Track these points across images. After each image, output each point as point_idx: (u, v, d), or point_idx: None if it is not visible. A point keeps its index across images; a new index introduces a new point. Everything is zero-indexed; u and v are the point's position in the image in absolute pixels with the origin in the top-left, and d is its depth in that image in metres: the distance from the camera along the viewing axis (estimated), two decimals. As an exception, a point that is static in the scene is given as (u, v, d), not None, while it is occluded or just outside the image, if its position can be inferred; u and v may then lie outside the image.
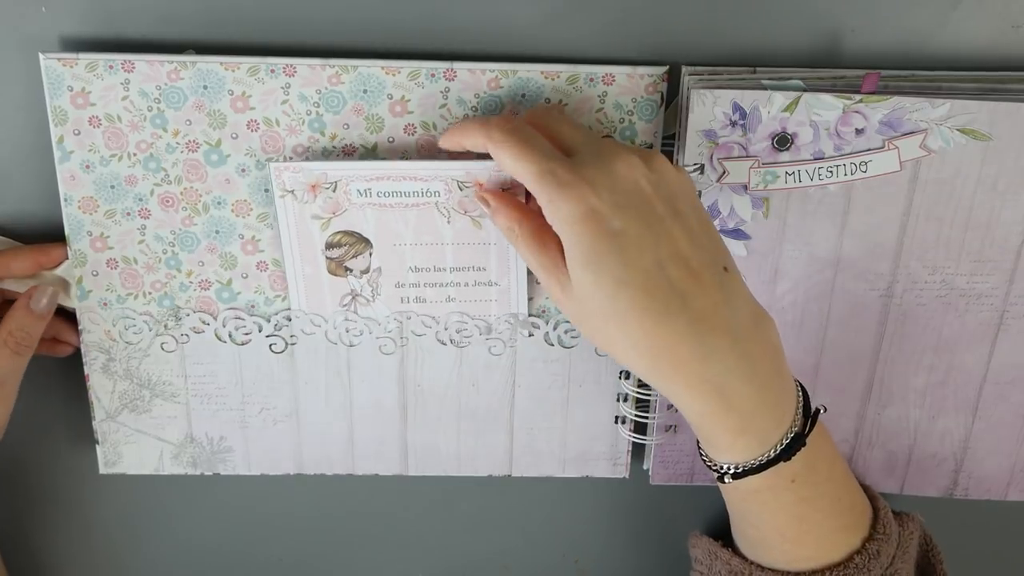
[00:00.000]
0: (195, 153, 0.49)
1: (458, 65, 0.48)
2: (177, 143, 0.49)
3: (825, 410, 0.46)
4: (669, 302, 0.41)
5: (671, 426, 0.55)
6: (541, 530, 0.60)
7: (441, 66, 0.48)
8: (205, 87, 0.48)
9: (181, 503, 0.59)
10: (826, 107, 0.48)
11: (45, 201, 0.51)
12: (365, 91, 0.48)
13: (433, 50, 0.49)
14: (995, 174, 0.49)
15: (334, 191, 0.48)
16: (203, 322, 0.52)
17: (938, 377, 0.54)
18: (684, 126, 0.49)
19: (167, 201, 0.50)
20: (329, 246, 0.50)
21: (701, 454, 0.46)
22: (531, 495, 0.59)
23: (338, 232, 0.50)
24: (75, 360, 0.54)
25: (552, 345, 0.53)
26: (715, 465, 0.45)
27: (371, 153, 0.49)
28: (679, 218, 0.42)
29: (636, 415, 0.54)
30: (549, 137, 0.44)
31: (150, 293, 0.52)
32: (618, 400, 0.55)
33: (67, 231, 0.51)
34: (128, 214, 0.50)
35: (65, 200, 0.50)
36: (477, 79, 0.48)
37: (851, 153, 0.49)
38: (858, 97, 0.47)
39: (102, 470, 0.56)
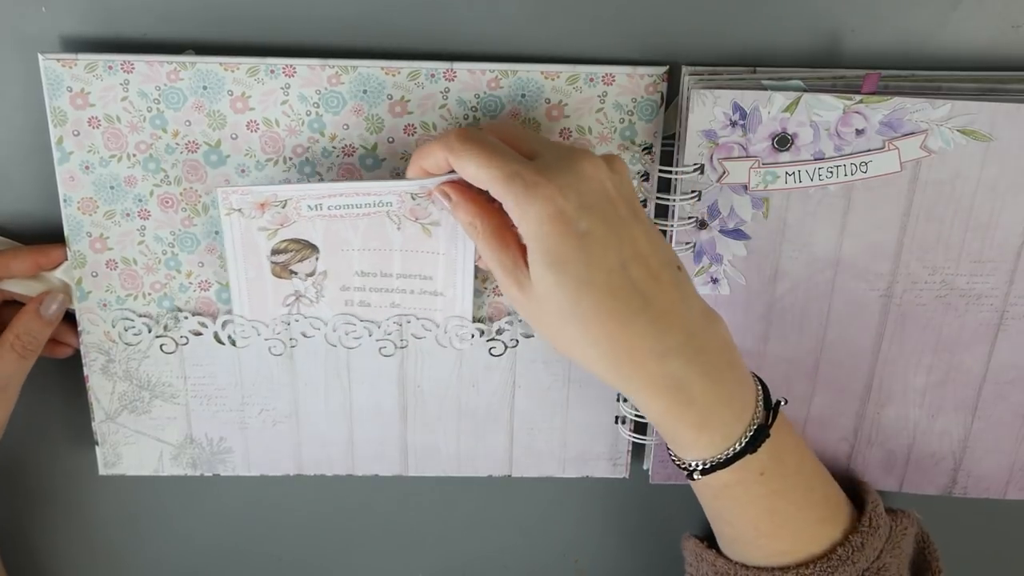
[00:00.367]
0: (195, 154, 0.49)
1: (458, 65, 0.48)
2: (177, 144, 0.49)
3: (786, 402, 0.47)
4: (631, 302, 0.41)
5: (671, 426, 0.55)
6: (541, 530, 0.60)
7: (441, 66, 0.48)
8: (205, 88, 0.48)
9: (181, 504, 0.59)
10: (826, 107, 0.48)
11: (44, 202, 0.51)
12: (365, 91, 0.48)
13: (433, 50, 0.49)
14: (995, 175, 0.49)
15: (283, 207, 0.48)
16: (202, 324, 0.52)
17: (937, 377, 0.54)
18: (684, 126, 0.49)
19: (167, 202, 0.50)
20: (275, 252, 0.50)
21: (670, 454, 0.47)
22: (531, 495, 0.59)
23: (285, 240, 0.49)
24: (75, 361, 0.54)
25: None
26: (683, 463, 0.46)
27: (371, 153, 0.49)
28: (639, 219, 0.43)
29: (636, 415, 0.54)
30: (509, 143, 0.44)
31: (150, 294, 0.52)
32: (618, 400, 0.55)
33: (66, 232, 0.50)
34: (128, 215, 0.50)
35: (64, 201, 0.50)
36: (477, 79, 0.48)
37: (851, 153, 0.49)
38: (858, 97, 0.47)
39: (102, 471, 0.56)
